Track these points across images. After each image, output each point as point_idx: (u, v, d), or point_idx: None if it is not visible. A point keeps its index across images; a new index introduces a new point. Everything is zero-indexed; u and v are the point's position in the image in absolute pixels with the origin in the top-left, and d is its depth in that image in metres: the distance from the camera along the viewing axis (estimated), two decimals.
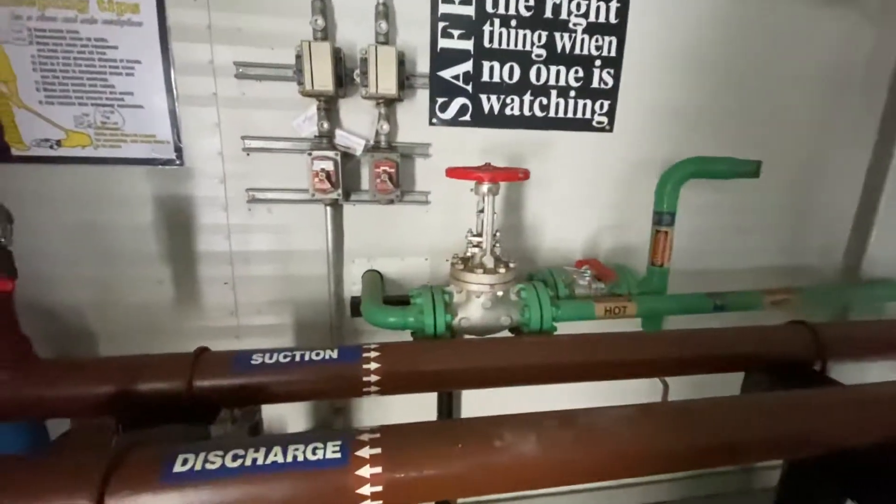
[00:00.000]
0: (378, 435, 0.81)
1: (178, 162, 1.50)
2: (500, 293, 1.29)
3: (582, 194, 1.77)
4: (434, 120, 1.61)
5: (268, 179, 1.57)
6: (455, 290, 1.33)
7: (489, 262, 1.30)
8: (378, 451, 0.78)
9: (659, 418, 0.96)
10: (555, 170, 1.72)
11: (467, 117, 1.63)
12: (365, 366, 1.11)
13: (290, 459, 0.76)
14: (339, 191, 1.48)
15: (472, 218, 1.56)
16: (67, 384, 1.03)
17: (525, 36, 1.60)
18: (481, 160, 1.57)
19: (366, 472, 0.76)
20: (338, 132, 1.53)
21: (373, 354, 1.12)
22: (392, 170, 1.48)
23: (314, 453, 0.77)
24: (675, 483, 2.25)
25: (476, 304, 1.30)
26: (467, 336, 1.37)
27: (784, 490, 1.28)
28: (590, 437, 0.88)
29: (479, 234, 1.32)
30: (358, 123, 1.57)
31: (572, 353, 1.22)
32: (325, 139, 1.51)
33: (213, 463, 0.74)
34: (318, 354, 1.11)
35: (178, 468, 0.73)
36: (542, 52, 1.62)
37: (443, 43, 1.55)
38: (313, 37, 1.42)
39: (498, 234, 1.33)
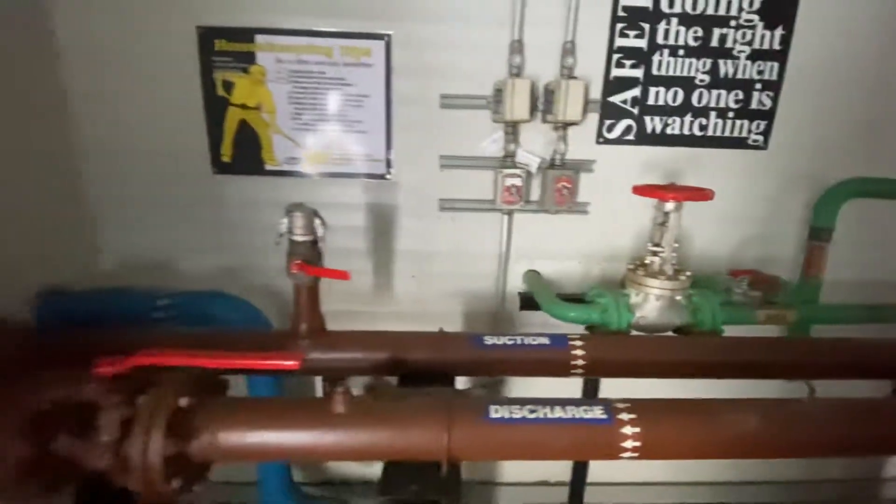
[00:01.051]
0: (629, 405, 1.04)
1: (387, 177, 1.83)
2: (677, 297, 1.49)
3: (731, 208, 1.90)
4: (600, 139, 1.82)
5: (455, 191, 1.85)
6: (633, 293, 1.54)
7: (669, 269, 1.50)
8: (634, 416, 1.02)
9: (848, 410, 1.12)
10: (708, 184, 1.82)
11: (631, 136, 1.82)
12: (572, 351, 1.35)
13: (569, 416, 1.01)
14: (522, 202, 1.74)
15: (629, 230, 1.76)
16: (353, 350, 1.36)
17: (691, 63, 1.76)
18: (641, 175, 1.78)
19: (627, 430, 1.00)
20: (519, 151, 1.78)
21: (578, 343, 1.36)
22: (570, 185, 1.72)
23: (586, 413, 1.02)
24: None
25: (653, 306, 1.51)
26: (635, 333, 1.58)
27: None
28: (796, 420, 1.07)
29: (659, 244, 1.51)
30: (534, 144, 1.81)
31: (748, 352, 1.39)
32: (509, 158, 1.77)
33: (516, 413, 1.01)
34: (534, 339, 1.37)
35: (493, 414, 1.01)
36: (706, 77, 1.77)
37: (615, 72, 1.75)
38: (509, 73, 1.68)
39: (676, 244, 1.52)
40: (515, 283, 1.97)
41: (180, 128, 1.75)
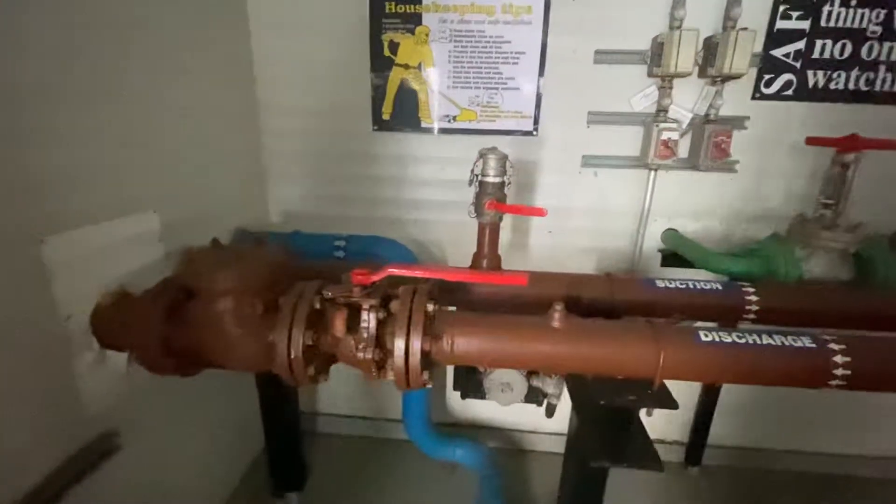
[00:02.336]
0: (836, 337, 1.08)
1: (534, 133, 1.90)
2: (850, 251, 1.47)
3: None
4: (757, 94, 1.79)
5: (600, 148, 1.90)
6: (800, 246, 1.53)
7: (843, 222, 1.48)
8: (843, 346, 1.05)
9: None
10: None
11: (790, 92, 1.78)
12: (746, 297, 1.39)
13: (779, 343, 1.07)
14: (676, 157, 1.76)
15: (778, 191, 1.74)
16: (529, 287, 1.47)
17: (863, 14, 1.68)
18: (799, 133, 1.74)
19: (838, 359, 1.04)
20: (672, 107, 1.79)
21: (750, 290, 1.40)
22: (728, 139, 1.72)
23: (794, 342, 1.07)
24: None
25: (822, 259, 1.50)
26: None
27: None
28: None
29: (832, 198, 1.50)
30: (684, 99, 1.82)
31: None
32: (662, 112, 1.79)
33: (725, 338, 1.08)
34: (706, 284, 1.42)
35: (703, 338, 1.08)
36: (878, 28, 1.69)
37: (780, 24, 1.71)
38: (670, 26, 1.69)
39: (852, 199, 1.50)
40: (652, 243, 2.00)
41: (347, 88, 1.91)
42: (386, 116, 1.93)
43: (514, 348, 1.12)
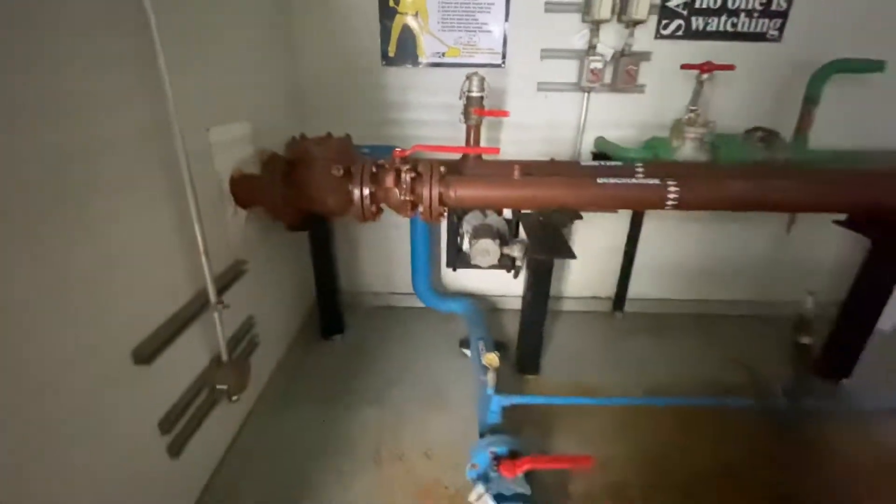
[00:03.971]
0: (673, 178, 1.90)
1: (502, 66, 2.59)
2: (705, 139, 2.29)
3: (752, 86, 2.61)
4: (657, 35, 2.52)
5: (549, 76, 2.62)
6: (675, 138, 2.34)
7: (700, 121, 2.28)
8: (674, 182, 1.87)
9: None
10: (750, 67, 2.54)
11: (680, 33, 2.51)
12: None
13: (641, 182, 1.88)
14: (600, 83, 2.50)
15: (674, 106, 2.51)
16: (499, 168, 2.24)
17: None
18: (686, 62, 2.49)
19: (671, 190, 1.86)
20: (599, 45, 2.50)
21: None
22: (636, 68, 2.46)
23: (648, 181, 1.89)
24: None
25: (689, 146, 2.32)
26: None
27: None
28: (776, 188, 1.92)
29: (695, 104, 2.29)
30: (608, 39, 2.53)
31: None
32: (592, 48, 2.50)
33: (611, 180, 1.88)
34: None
35: (599, 181, 1.88)
36: None
37: None
38: None
39: (702, 109, 2.28)
40: (587, 147, 2.78)
41: (361, 31, 2.53)
42: (391, 54, 2.57)
43: (492, 193, 1.90)
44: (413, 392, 2.42)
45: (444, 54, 2.57)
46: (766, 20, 2.49)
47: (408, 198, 1.82)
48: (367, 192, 1.80)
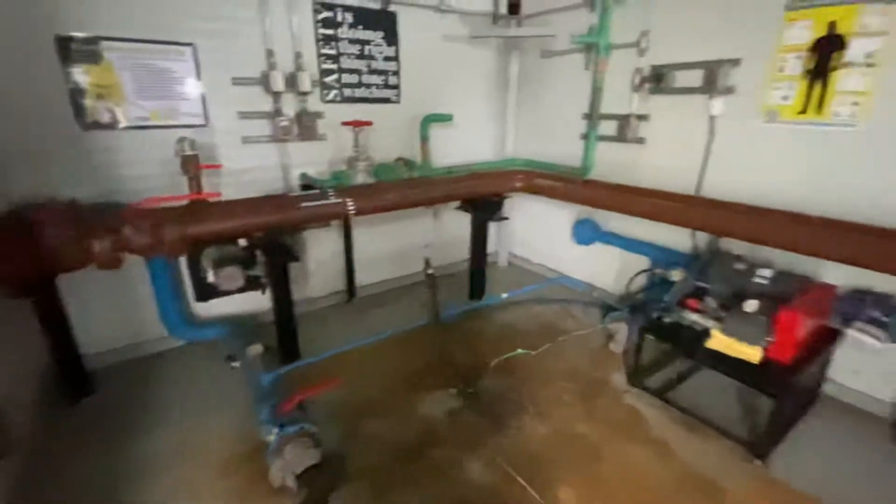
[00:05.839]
0: (351, 196, 2.97)
1: (206, 125, 3.19)
2: (370, 168, 3.51)
3: (394, 132, 4.03)
4: (324, 101, 3.62)
5: (251, 131, 3.37)
6: (351, 171, 3.48)
7: (363, 157, 3.48)
8: (351, 198, 2.95)
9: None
10: (377, 120, 3.91)
11: (339, 99, 3.69)
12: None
13: (326, 202, 2.87)
14: (291, 136, 3.42)
15: (347, 146, 3.68)
16: (237, 207, 2.84)
17: (359, 62, 3.71)
18: (347, 117, 3.69)
19: (349, 203, 2.93)
20: (283, 108, 3.41)
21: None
22: (313, 124, 3.48)
23: (336, 199, 2.90)
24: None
25: (360, 174, 3.49)
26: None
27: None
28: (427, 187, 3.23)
29: (357, 147, 3.48)
30: (289, 104, 3.47)
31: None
32: (279, 110, 3.38)
33: (306, 202, 2.81)
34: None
35: (334, 199, 2.78)
36: (365, 68, 3.77)
37: (323, 66, 3.55)
38: (269, 66, 3.26)
39: (363, 148, 3.50)
40: (294, 180, 3.66)
41: (53, 99, 2.66)
42: (90, 120, 2.80)
43: (224, 225, 2.53)
44: (183, 425, 2.77)
45: (147, 118, 2.97)
46: (389, 90, 3.94)
47: (148, 241, 2.26)
48: (106, 243, 2.15)
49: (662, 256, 3.52)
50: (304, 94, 3.44)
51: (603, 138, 3.88)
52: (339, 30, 3.56)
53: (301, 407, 2.38)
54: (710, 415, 2.68)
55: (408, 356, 3.34)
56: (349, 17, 3.57)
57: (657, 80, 3.41)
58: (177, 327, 3.25)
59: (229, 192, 3.32)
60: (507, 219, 4.46)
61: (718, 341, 2.41)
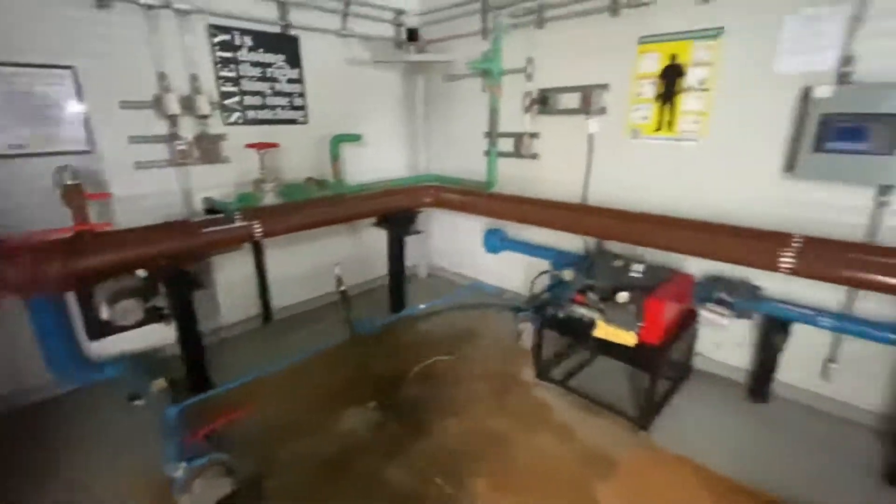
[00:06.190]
0: (259, 218, 2.96)
1: (91, 151, 3.00)
2: (277, 189, 3.50)
3: (303, 152, 4.05)
4: (226, 123, 3.56)
5: (146, 156, 3.22)
6: (257, 192, 3.45)
7: (269, 178, 3.47)
8: (257, 220, 2.94)
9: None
10: (284, 141, 3.92)
11: (241, 121, 3.65)
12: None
13: (231, 226, 2.84)
14: (189, 159, 3.32)
15: (254, 168, 3.65)
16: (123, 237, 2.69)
17: (261, 84, 3.71)
18: (251, 139, 3.66)
19: (256, 226, 2.92)
20: (181, 133, 3.31)
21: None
22: (215, 146, 3.41)
23: (239, 224, 2.87)
24: None
25: (268, 194, 3.47)
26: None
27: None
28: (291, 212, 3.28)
29: (263, 169, 3.46)
30: (188, 128, 3.37)
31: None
32: (175, 133, 3.28)
33: (221, 226, 2.76)
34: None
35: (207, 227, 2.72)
36: (269, 90, 3.77)
37: (223, 88, 3.50)
38: (162, 89, 3.16)
39: (268, 169, 3.49)
40: (199, 206, 3.55)
41: None
42: None
43: (117, 256, 2.42)
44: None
45: (23, 146, 2.74)
46: (295, 111, 3.97)
47: (26, 277, 2.10)
48: None
49: (561, 259, 3.89)
50: (204, 116, 3.37)
51: (503, 154, 4.21)
52: (239, 52, 3.55)
53: (210, 438, 2.33)
54: (605, 396, 3.02)
55: (328, 374, 3.36)
56: (248, 41, 3.57)
57: (543, 102, 3.80)
58: (66, 370, 2.98)
59: (125, 221, 3.15)
60: (421, 232, 4.64)
61: (602, 330, 2.74)
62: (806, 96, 2.55)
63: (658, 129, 3.25)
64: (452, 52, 4.42)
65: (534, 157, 4.06)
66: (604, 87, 3.45)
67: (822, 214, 2.64)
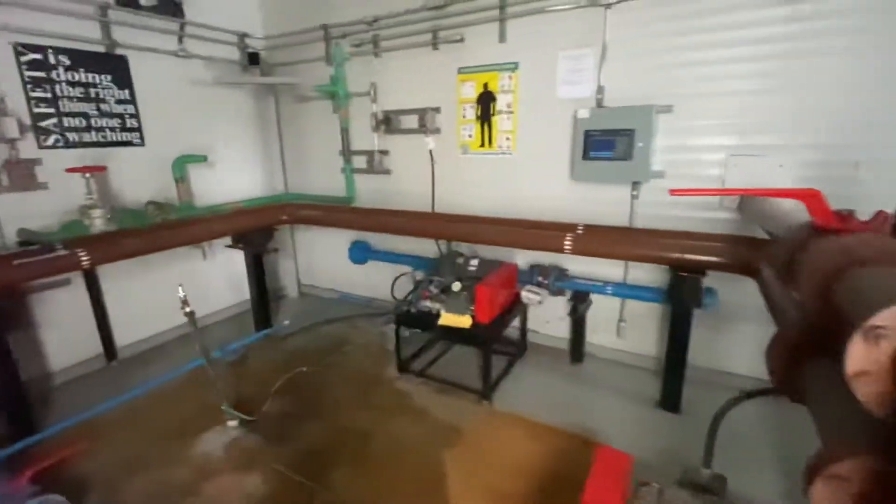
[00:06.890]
0: (85, 247, 2.78)
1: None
2: (107, 216, 3.31)
3: (141, 176, 3.85)
4: (41, 147, 3.27)
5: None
6: (85, 219, 3.22)
7: (99, 205, 3.26)
8: (83, 249, 2.77)
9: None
10: (119, 164, 3.70)
11: (61, 144, 3.37)
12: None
13: (48, 257, 2.64)
14: (1, 184, 2.98)
15: (81, 193, 3.41)
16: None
17: (85, 104, 3.48)
18: (79, 163, 3.41)
19: (83, 255, 2.75)
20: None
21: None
22: (29, 171, 3.11)
23: (60, 253, 2.68)
24: None
25: (99, 222, 3.26)
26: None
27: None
28: None
29: (91, 194, 3.24)
30: None
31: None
32: None
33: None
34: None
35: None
36: (96, 111, 3.55)
37: (36, 110, 3.22)
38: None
39: (97, 196, 3.29)
40: (11, 238, 3.17)
41: None
42: None
43: None
44: None
45: None
46: (128, 133, 3.78)
47: None
48: None
49: (420, 263, 4.28)
50: (13, 140, 3.07)
51: (359, 171, 4.51)
52: (54, 72, 3.31)
53: (41, 481, 2.15)
54: (457, 378, 3.41)
55: (180, 404, 3.23)
56: (65, 60, 3.35)
57: (388, 122, 4.19)
58: None
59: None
60: (276, 251, 4.67)
61: (445, 318, 3.14)
62: (575, 117, 3.29)
63: (482, 146, 3.83)
64: (300, 74, 4.61)
65: (387, 172, 4.41)
66: (436, 109, 3.96)
67: (600, 207, 3.40)
